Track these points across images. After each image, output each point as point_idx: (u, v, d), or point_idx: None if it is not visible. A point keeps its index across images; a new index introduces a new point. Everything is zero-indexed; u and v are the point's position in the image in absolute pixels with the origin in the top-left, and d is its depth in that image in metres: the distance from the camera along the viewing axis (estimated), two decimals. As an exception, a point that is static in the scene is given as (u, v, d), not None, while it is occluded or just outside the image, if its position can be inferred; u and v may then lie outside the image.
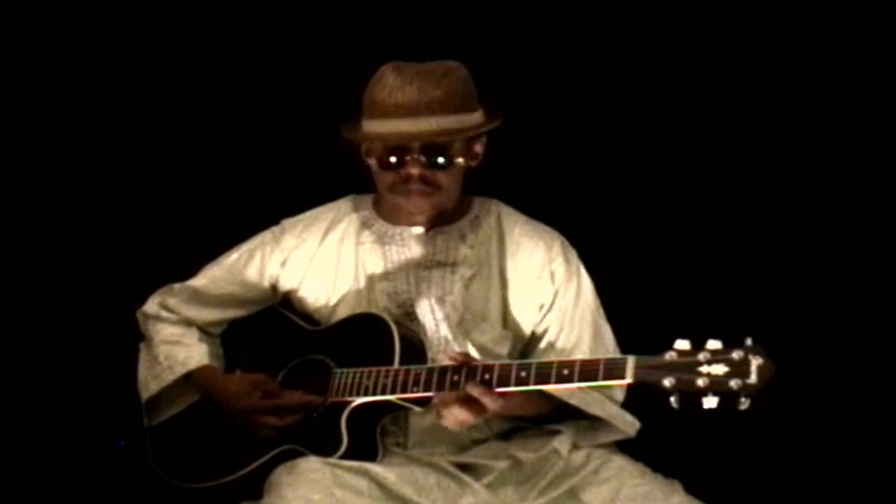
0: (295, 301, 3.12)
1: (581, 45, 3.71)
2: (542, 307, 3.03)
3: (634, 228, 3.75)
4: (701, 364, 2.58)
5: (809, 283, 3.69)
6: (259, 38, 3.75)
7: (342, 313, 3.05)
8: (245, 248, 3.14)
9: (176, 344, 3.08)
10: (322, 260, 3.09)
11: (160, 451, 3.10)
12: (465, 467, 2.92)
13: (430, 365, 2.88)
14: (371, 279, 3.05)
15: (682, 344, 2.62)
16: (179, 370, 3.04)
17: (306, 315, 3.10)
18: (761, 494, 3.54)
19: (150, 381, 3.07)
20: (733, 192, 3.72)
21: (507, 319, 3.04)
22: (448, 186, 2.97)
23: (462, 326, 3.00)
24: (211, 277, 3.14)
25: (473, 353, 2.93)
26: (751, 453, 3.65)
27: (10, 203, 3.71)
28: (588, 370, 2.69)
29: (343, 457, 2.85)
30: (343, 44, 3.73)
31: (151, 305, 3.16)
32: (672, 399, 2.59)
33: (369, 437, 2.92)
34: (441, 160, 2.93)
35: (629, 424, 2.96)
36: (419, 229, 3.05)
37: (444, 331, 3.00)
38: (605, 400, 2.94)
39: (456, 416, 2.79)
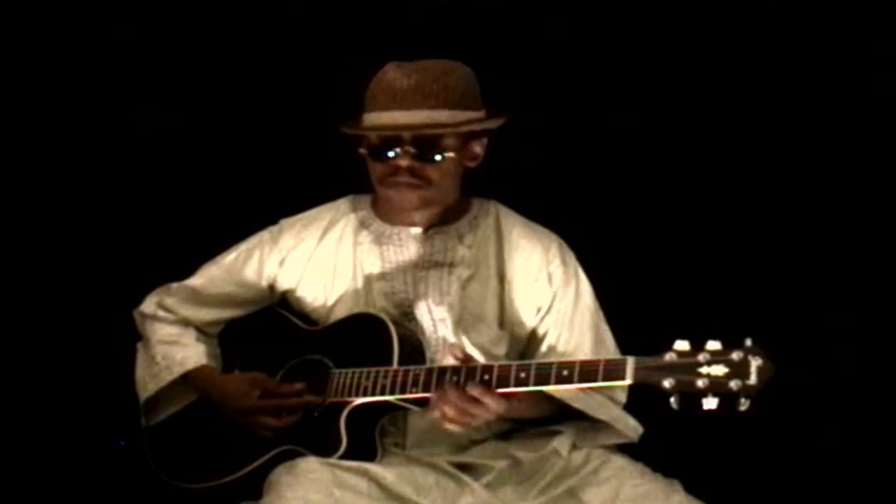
0: (292, 301, 3.11)
1: (581, 45, 3.71)
2: (539, 310, 3.03)
3: (634, 229, 3.75)
4: (701, 365, 2.58)
5: (809, 284, 3.69)
6: (259, 38, 3.75)
7: (340, 313, 3.05)
8: (243, 247, 3.14)
9: (174, 344, 3.08)
10: (320, 260, 3.09)
11: (159, 452, 3.09)
12: (464, 467, 2.92)
13: (428, 365, 2.88)
14: (369, 279, 3.05)
15: (682, 345, 2.62)
16: (177, 370, 3.04)
17: (304, 315, 3.10)
18: (761, 495, 3.54)
19: (148, 381, 3.07)
20: (733, 192, 3.72)
21: (503, 321, 3.04)
22: (439, 182, 2.96)
23: (459, 327, 3.00)
24: (209, 277, 3.14)
25: (473, 352, 2.93)
26: (750, 453, 3.65)
27: (9, 203, 3.71)
28: (588, 371, 2.69)
29: (342, 457, 2.85)
30: (342, 43, 3.73)
31: (149, 305, 3.15)
32: (672, 400, 2.59)
33: (368, 438, 2.92)
34: (431, 153, 2.92)
35: (632, 429, 2.96)
36: (417, 230, 3.04)
37: (442, 331, 3.00)
38: (608, 402, 2.94)
39: (457, 417, 2.79)
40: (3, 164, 3.71)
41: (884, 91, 3.58)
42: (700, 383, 2.56)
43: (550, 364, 2.75)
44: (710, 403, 2.55)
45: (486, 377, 2.77)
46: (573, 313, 3.02)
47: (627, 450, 2.97)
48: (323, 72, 3.72)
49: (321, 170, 3.55)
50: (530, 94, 3.63)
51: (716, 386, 2.55)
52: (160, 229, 3.74)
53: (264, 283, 3.11)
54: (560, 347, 3.01)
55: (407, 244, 3.05)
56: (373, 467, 2.84)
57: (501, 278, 3.04)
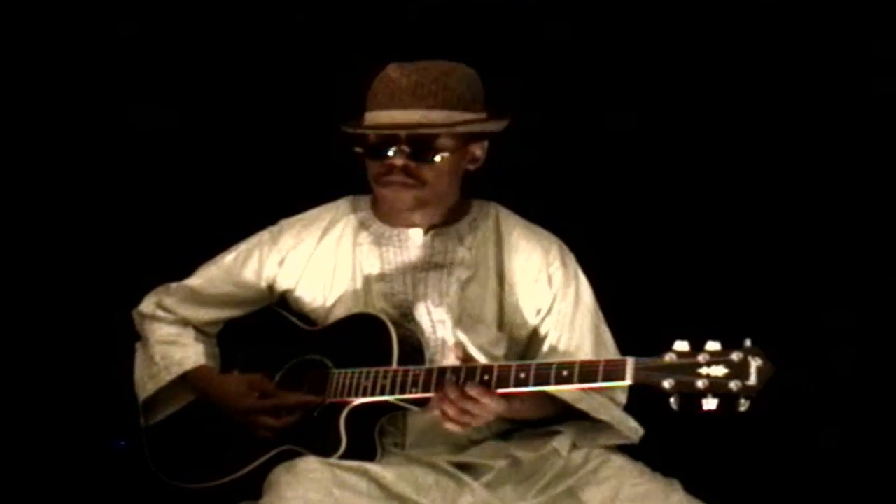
0: (291, 301, 3.11)
1: (581, 45, 3.71)
2: (539, 311, 3.03)
3: (633, 229, 3.74)
4: (700, 365, 2.59)
5: (807, 285, 3.69)
6: (259, 37, 3.75)
7: (339, 314, 3.04)
8: (242, 247, 3.14)
9: (172, 344, 3.08)
10: (319, 260, 3.08)
11: (158, 452, 3.09)
12: (463, 467, 2.92)
13: (428, 365, 2.88)
14: (368, 280, 3.04)
15: (682, 345, 2.62)
16: (176, 371, 3.04)
17: (303, 315, 3.09)
18: (760, 494, 3.55)
19: (147, 381, 3.07)
20: (732, 192, 3.72)
21: (503, 322, 3.03)
22: (433, 183, 2.95)
23: (458, 328, 2.99)
24: (208, 277, 3.13)
25: (473, 352, 2.93)
26: (750, 453, 3.65)
27: (8, 202, 3.71)
28: (587, 372, 2.70)
29: (342, 457, 2.85)
30: (342, 42, 3.72)
31: (148, 305, 3.15)
32: (672, 400, 2.60)
33: (368, 438, 2.92)
34: (426, 153, 2.92)
35: (633, 430, 2.96)
36: (417, 231, 3.04)
37: (441, 333, 2.99)
38: (609, 403, 2.94)
39: (457, 417, 2.79)
40: (2, 165, 3.70)
41: (883, 91, 3.58)
42: (700, 384, 2.57)
43: (550, 364, 2.76)
44: (709, 404, 2.56)
45: (486, 377, 2.77)
46: (573, 314, 3.02)
47: (627, 449, 2.96)
48: (323, 71, 3.71)
49: (321, 170, 3.55)
50: (530, 95, 3.63)
51: (715, 386, 2.56)
52: (160, 229, 3.74)
53: (263, 284, 3.11)
54: (560, 349, 3.01)
55: (406, 245, 3.05)
56: (372, 467, 2.84)
57: (501, 280, 3.04)
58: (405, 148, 2.91)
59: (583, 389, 2.85)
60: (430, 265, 3.03)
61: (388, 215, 3.05)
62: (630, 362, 2.65)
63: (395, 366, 2.89)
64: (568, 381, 2.71)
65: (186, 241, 3.46)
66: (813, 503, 3.60)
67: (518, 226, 3.08)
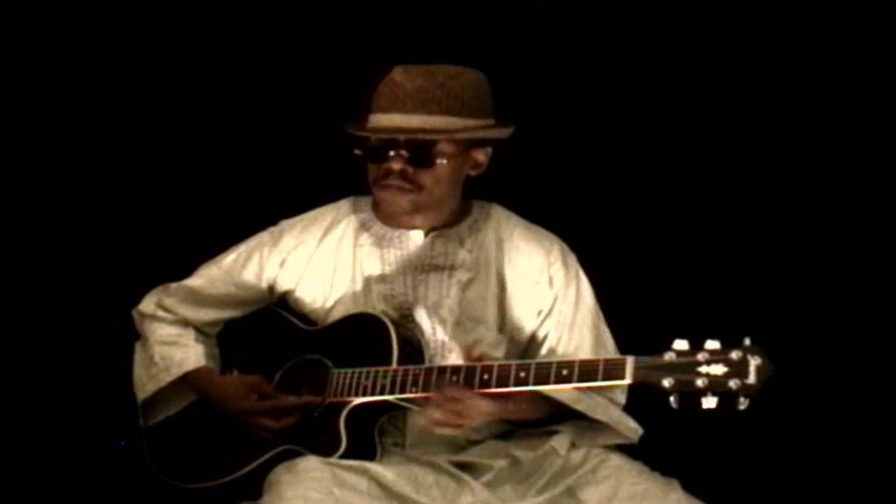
0: (291, 302, 3.11)
1: (581, 46, 3.70)
2: (540, 312, 3.03)
3: (632, 229, 3.74)
4: (700, 364, 2.60)
5: (806, 284, 3.69)
6: (259, 37, 3.74)
7: (338, 315, 3.04)
8: (243, 248, 3.14)
9: (172, 344, 3.08)
10: (320, 261, 3.09)
11: (158, 452, 3.09)
12: (463, 466, 2.92)
13: (428, 365, 2.89)
14: (368, 281, 3.04)
15: (681, 344, 2.63)
16: (176, 371, 3.04)
17: (303, 316, 3.10)
18: (759, 493, 3.54)
19: (147, 381, 3.07)
20: (732, 192, 3.72)
21: (503, 324, 3.03)
22: (431, 188, 2.95)
23: (458, 330, 2.99)
24: (208, 277, 3.13)
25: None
26: (748, 452, 3.65)
27: (8, 202, 3.71)
28: (587, 371, 2.71)
29: (342, 457, 2.85)
30: (343, 42, 3.73)
31: (148, 304, 3.15)
32: (671, 399, 2.60)
33: (368, 437, 2.92)
34: (424, 158, 2.92)
35: (632, 430, 2.96)
36: (418, 233, 3.04)
37: (441, 334, 2.99)
38: (608, 404, 2.94)
39: (447, 420, 2.79)
40: (3, 164, 3.71)
41: (883, 91, 3.58)
42: (699, 382, 2.58)
43: (550, 364, 2.76)
44: (709, 402, 2.57)
45: (486, 377, 2.77)
46: (574, 315, 3.02)
47: (626, 449, 2.97)
48: (324, 71, 3.71)
49: (322, 170, 3.55)
50: (530, 95, 3.63)
51: (715, 385, 2.57)
52: (160, 229, 3.74)
53: (264, 285, 3.11)
54: (560, 349, 3.01)
55: (407, 247, 3.05)
56: (373, 466, 2.84)
57: (502, 282, 3.04)
58: (403, 152, 2.91)
59: (583, 389, 2.85)
60: (430, 267, 3.03)
61: (388, 217, 3.05)
62: (630, 361, 2.66)
63: (394, 365, 2.89)
64: (568, 380, 2.72)
65: (187, 241, 3.46)
66: (811, 502, 3.60)
67: (519, 227, 3.09)
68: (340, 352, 2.97)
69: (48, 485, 3.44)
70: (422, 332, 2.99)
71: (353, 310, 3.03)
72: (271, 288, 3.12)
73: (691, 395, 2.58)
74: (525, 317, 3.03)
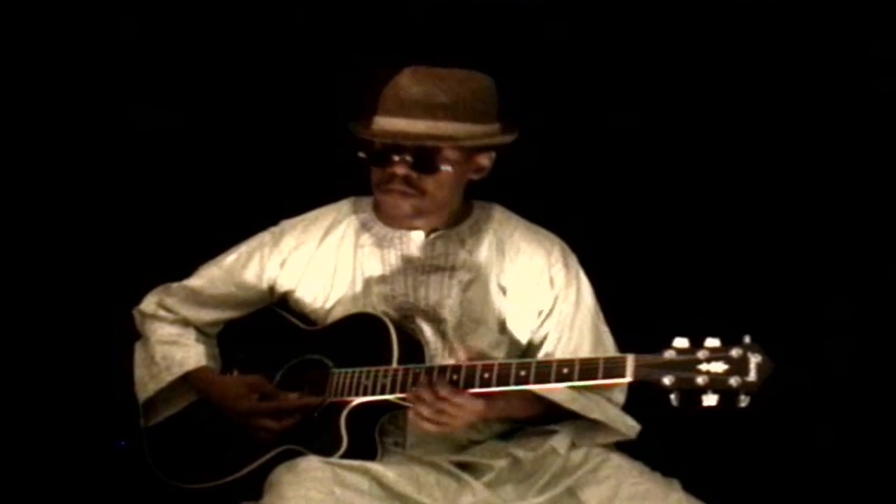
0: (292, 302, 3.11)
1: (581, 46, 3.71)
2: (540, 313, 3.03)
3: (632, 227, 3.75)
4: (700, 362, 2.60)
5: (806, 283, 3.69)
6: (260, 37, 3.75)
7: (338, 315, 3.04)
8: (244, 248, 3.14)
9: (173, 344, 3.08)
10: (320, 261, 3.08)
11: (159, 452, 3.09)
12: (464, 466, 2.92)
13: (428, 364, 2.88)
14: (369, 282, 3.04)
15: (681, 342, 2.63)
16: (177, 371, 3.04)
17: (303, 316, 3.10)
18: (759, 493, 3.54)
19: (148, 381, 3.07)
20: (732, 191, 3.72)
21: (504, 324, 3.03)
22: (433, 193, 2.95)
23: (459, 331, 2.99)
24: (209, 278, 3.13)
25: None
26: (749, 452, 3.65)
27: (9, 201, 3.71)
28: (588, 369, 2.70)
29: (343, 456, 2.85)
30: (344, 42, 3.73)
31: (149, 304, 3.15)
32: (672, 397, 2.60)
33: (368, 437, 2.92)
34: (429, 164, 2.91)
35: (629, 427, 2.97)
36: (419, 233, 3.04)
37: (441, 337, 2.99)
38: (604, 403, 2.94)
39: (433, 417, 2.79)
40: (3, 164, 3.71)
41: (883, 90, 3.58)
42: (700, 380, 2.58)
43: (550, 362, 2.76)
44: (709, 400, 2.57)
45: (487, 376, 2.77)
46: (574, 315, 3.02)
47: (626, 449, 2.97)
48: (325, 71, 3.71)
49: (323, 170, 3.55)
50: (530, 95, 3.63)
51: (716, 383, 2.57)
52: (160, 229, 3.74)
53: (265, 285, 3.11)
54: (560, 349, 3.01)
55: (408, 248, 3.05)
56: (374, 466, 2.84)
57: (502, 282, 3.04)
58: (408, 158, 2.91)
59: (583, 387, 2.85)
60: (431, 268, 3.03)
61: (389, 217, 3.05)
62: (630, 359, 2.66)
63: (395, 365, 2.89)
64: (569, 378, 2.72)
65: (187, 241, 3.46)
66: (812, 501, 3.60)
67: (519, 228, 3.09)
68: (341, 352, 2.96)
69: (48, 485, 3.44)
70: (422, 332, 2.99)
71: (354, 310, 3.02)
72: (272, 288, 3.12)
73: (692, 393, 2.58)
74: (525, 317, 3.03)
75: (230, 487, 2.95)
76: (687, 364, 2.60)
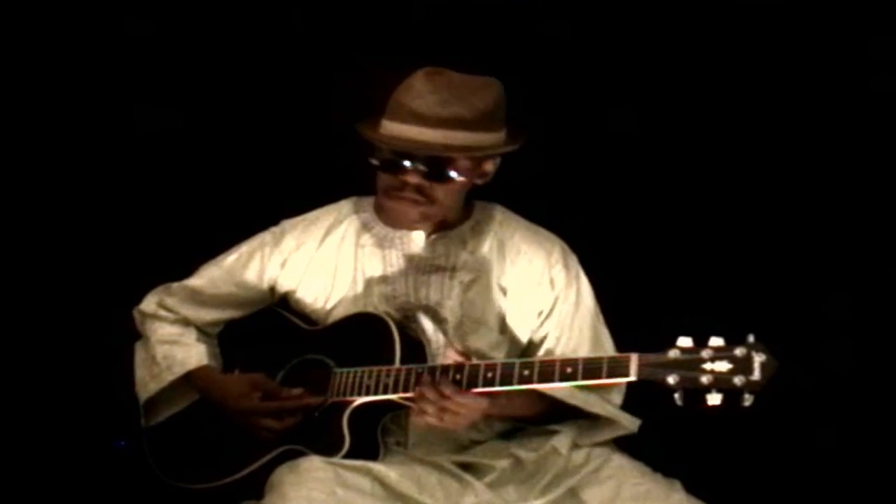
0: (292, 302, 3.11)
1: (581, 46, 3.71)
2: (541, 313, 3.03)
3: (634, 227, 3.74)
4: (704, 361, 2.60)
5: (807, 282, 3.70)
6: (261, 37, 3.74)
7: (339, 316, 3.04)
8: (244, 248, 3.14)
9: (174, 344, 3.07)
10: (321, 262, 3.08)
11: (159, 452, 3.09)
12: (466, 466, 2.93)
13: (431, 364, 2.88)
14: (369, 282, 3.04)
15: (685, 341, 2.64)
16: (178, 370, 3.04)
17: (304, 316, 3.10)
18: (760, 493, 3.54)
19: (149, 381, 3.07)
20: (733, 191, 3.72)
21: (504, 325, 3.04)
22: (443, 200, 2.95)
23: (460, 331, 2.99)
24: (209, 278, 3.13)
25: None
26: (750, 452, 3.65)
27: (9, 201, 3.70)
28: (592, 368, 2.70)
29: (345, 456, 2.85)
30: (345, 42, 3.73)
31: (149, 304, 3.15)
32: (676, 396, 2.61)
33: (370, 437, 2.92)
34: (442, 174, 2.91)
35: (630, 421, 2.97)
36: (420, 233, 3.04)
37: (442, 335, 2.99)
38: (603, 402, 2.95)
39: (436, 415, 2.78)
40: (4, 163, 3.70)
41: (883, 90, 3.59)
42: (704, 379, 2.59)
43: (554, 362, 2.76)
44: (714, 399, 2.58)
45: (490, 375, 2.78)
46: (574, 316, 3.03)
47: (628, 449, 2.97)
48: (325, 71, 3.71)
49: (324, 170, 3.55)
50: (530, 95, 3.62)
51: (720, 382, 2.58)
52: (161, 229, 3.73)
53: (265, 285, 3.11)
54: (559, 349, 3.01)
55: (409, 248, 3.05)
56: (376, 466, 2.83)
57: (503, 283, 3.04)
58: (422, 167, 2.90)
59: (583, 388, 2.85)
60: (432, 268, 3.03)
61: (390, 218, 3.05)
62: (634, 358, 2.66)
63: (397, 364, 2.88)
64: (572, 377, 2.72)
65: (188, 241, 3.45)
66: (812, 501, 3.60)
67: (520, 228, 3.09)
68: (342, 351, 2.96)
69: (49, 485, 3.43)
70: (424, 331, 2.99)
71: (355, 310, 3.02)
72: (272, 288, 3.12)
73: (696, 392, 2.59)
74: (526, 318, 3.03)
75: (231, 488, 2.95)
76: (691, 363, 2.60)
